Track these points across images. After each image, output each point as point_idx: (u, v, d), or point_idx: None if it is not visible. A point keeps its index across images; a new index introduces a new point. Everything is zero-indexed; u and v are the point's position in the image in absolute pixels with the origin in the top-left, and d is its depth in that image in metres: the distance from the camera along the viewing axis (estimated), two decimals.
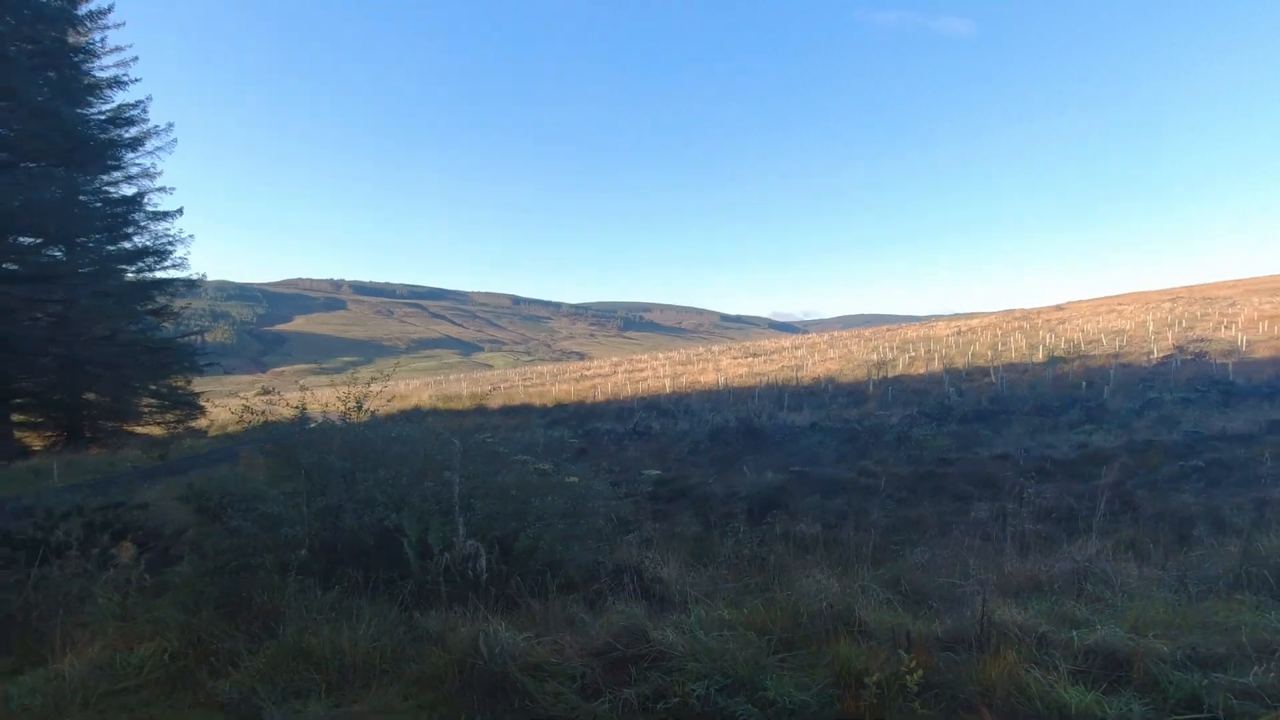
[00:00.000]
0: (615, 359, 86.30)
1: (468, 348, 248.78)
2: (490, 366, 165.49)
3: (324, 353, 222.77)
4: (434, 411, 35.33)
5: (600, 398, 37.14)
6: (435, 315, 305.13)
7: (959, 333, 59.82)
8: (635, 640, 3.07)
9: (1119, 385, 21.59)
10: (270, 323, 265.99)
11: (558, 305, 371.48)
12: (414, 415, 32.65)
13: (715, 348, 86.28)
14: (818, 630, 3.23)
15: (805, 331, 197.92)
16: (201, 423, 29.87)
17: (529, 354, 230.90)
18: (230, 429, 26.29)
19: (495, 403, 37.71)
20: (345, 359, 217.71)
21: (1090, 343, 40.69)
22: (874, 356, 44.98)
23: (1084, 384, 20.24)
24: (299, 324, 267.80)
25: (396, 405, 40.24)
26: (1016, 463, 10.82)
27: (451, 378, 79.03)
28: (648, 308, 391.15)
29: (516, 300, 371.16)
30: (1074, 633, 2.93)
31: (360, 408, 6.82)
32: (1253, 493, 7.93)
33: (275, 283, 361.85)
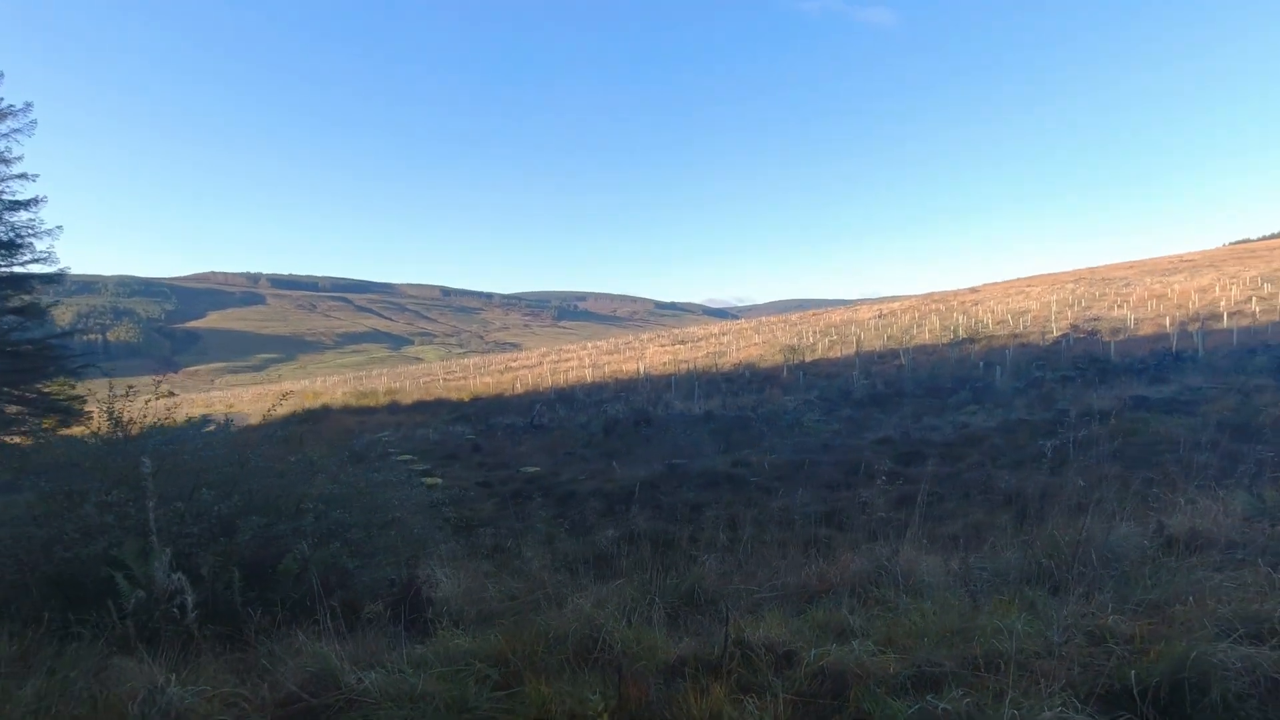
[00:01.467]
0: (544, 350, 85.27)
1: (397, 341, 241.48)
2: (421, 360, 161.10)
3: (242, 350, 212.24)
4: (345, 409, 33.88)
5: (519, 390, 36.41)
6: (362, 309, 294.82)
7: (880, 315, 61.52)
8: (326, 687, 2.64)
9: (1013, 365, 22.42)
10: (181, 319, 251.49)
11: (490, 296, 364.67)
12: (317, 415, 31.21)
13: (645, 336, 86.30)
14: (553, 661, 2.88)
15: (738, 317, 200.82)
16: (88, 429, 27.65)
17: (461, 346, 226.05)
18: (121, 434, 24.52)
19: (409, 399, 36.42)
20: (265, 356, 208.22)
21: (998, 323, 42.43)
22: (795, 341, 45.71)
23: (981, 364, 20.90)
24: (213, 320, 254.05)
25: (303, 404, 38.43)
26: (894, 447, 10.89)
27: (374, 373, 76.36)
28: (583, 296, 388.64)
29: (447, 292, 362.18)
30: (814, 651, 2.67)
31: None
32: (1095, 472, 8.09)
33: (185, 277, 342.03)
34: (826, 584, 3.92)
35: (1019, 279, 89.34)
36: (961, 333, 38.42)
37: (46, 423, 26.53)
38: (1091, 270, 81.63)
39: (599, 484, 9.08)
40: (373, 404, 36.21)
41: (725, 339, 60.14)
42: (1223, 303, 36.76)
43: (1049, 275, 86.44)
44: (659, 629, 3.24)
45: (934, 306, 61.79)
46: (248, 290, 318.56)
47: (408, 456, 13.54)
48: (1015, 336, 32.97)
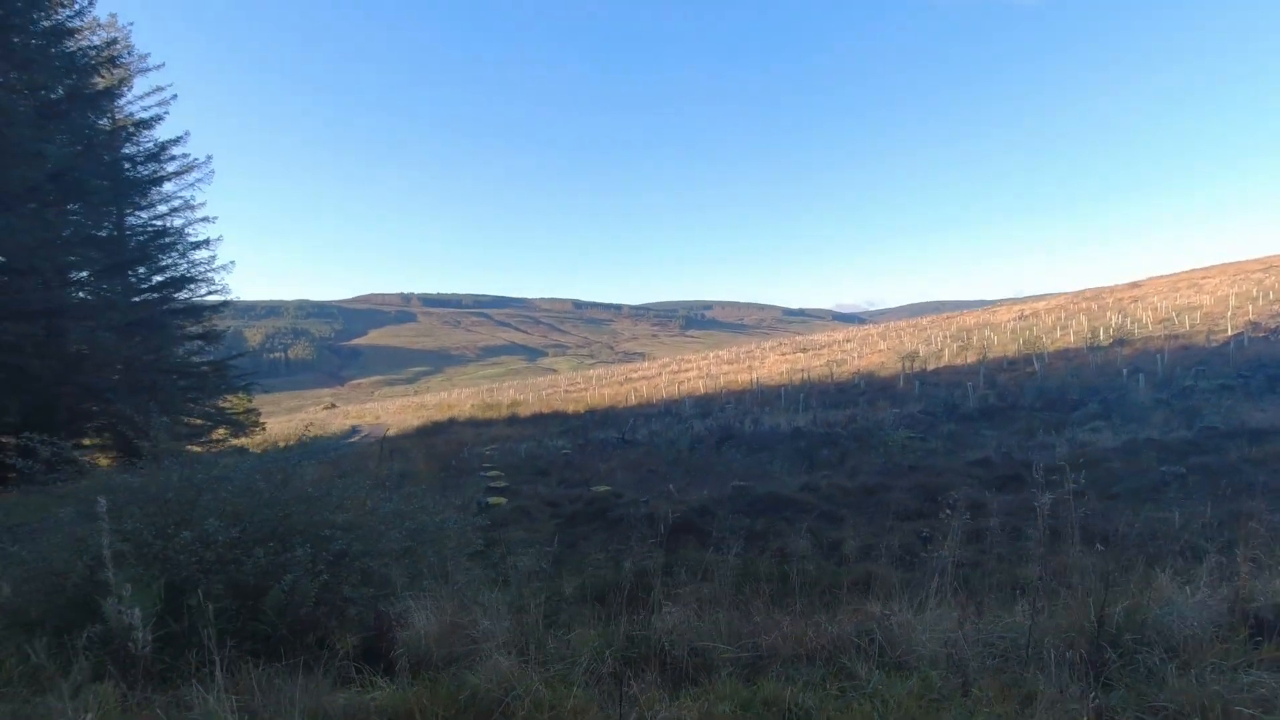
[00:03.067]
0: (665, 360, 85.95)
1: (533, 353, 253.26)
2: (554, 370, 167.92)
3: (396, 364, 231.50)
4: (469, 422, 35.91)
5: (632, 402, 36.86)
6: (500, 323, 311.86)
7: (1020, 317, 56.62)
8: None
9: (1166, 371, 19.72)
10: (346, 338, 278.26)
11: (619, 307, 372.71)
12: (441, 427, 33.25)
13: (767, 344, 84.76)
14: None
15: (868, 322, 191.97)
16: (258, 439, 31.33)
17: (591, 357, 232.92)
18: (281, 443, 27.42)
19: (529, 410, 37.98)
20: (416, 369, 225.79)
21: (1159, 322, 37.60)
22: (919, 348, 42.98)
23: (1125, 371, 18.54)
24: (373, 337, 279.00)
25: (432, 416, 41.16)
26: (993, 469, 9.90)
27: (506, 385, 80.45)
28: (709, 305, 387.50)
29: (578, 304, 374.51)
30: None
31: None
32: (1227, 505, 6.93)
33: (349, 299, 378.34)
34: (803, 646, 3.59)
35: (1191, 270, 78.47)
36: (1103, 336, 34.38)
37: (219, 433, 30.35)
38: None
39: (658, 507, 8.93)
40: (495, 416, 38.09)
41: (849, 346, 57.71)
42: None
43: (1230, 265, 75.09)
44: (591, 691, 3.10)
45: (1084, 305, 55.82)
46: (401, 309, 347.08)
47: (496, 472, 14.04)
48: (1173, 338, 29.02)
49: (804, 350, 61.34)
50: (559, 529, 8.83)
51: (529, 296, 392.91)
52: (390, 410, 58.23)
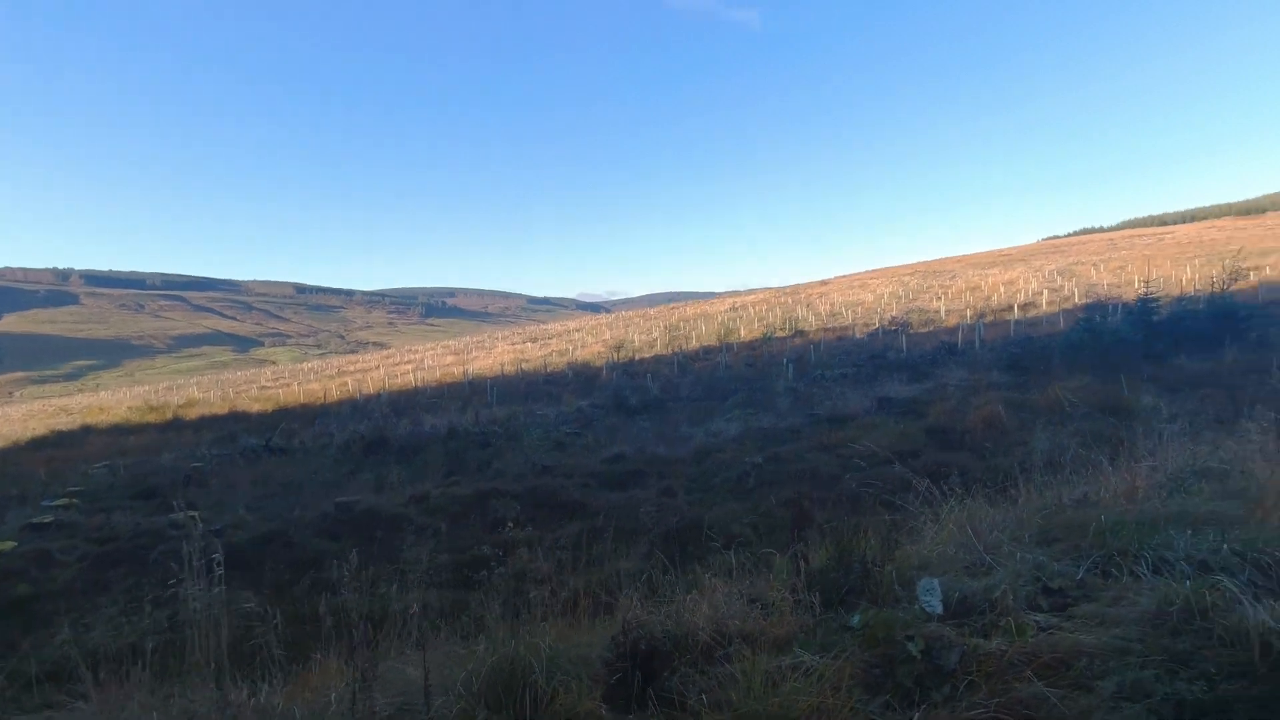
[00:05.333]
0: (389, 351, 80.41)
1: (244, 343, 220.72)
2: (272, 362, 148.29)
3: (50, 357, 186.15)
4: (114, 429, 29.34)
5: (335, 398, 33.20)
6: (201, 308, 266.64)
7: (733, 308, 62.54)
8: None
9: (821, 358, 22.58)
10: None
11: (350, 293, 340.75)
12: (70, 438, 26.83)
13: (502, 334, 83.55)
14: None
15: (610, 311, 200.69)
16: None
17: (319, 347, 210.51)
18: None
19: (201, 412, 32.23)
20: (81, 363, 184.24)
21: (832, 316, 43.75)
22: (640, 338, 45.15)
23: (786, 361, 20.74)
24: (10, 323, 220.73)
25: (67, 422, 33.16)
26: (623, 465, 9.82)
27: (195, 381, 68.66)
28: (452, 293, 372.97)
29: (301, 288, 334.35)
30: None
31: None
32: (788, 490, 7.28)
33: None
34: None
35: (866, 271, 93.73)
36: (788, 327, 39.10)
37: None
38: (928, 264, 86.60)
39: (234, 536, 7.31)
40: (156, 419, 31.74)
41: (577, 336, 58.90)
42: (1020, 295, 39.48)
43: (892, 268, 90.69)
44: None
45: (783, 299, 63.57)
46: (55, 289, 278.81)
47: (64, 501, 11.01)
48: (830, 331, 33.84)
49: (534, 340, 61.30)
50: (80, 576, 6.80)
51: (240, 278, 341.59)
52: (14, 417, 45.92)
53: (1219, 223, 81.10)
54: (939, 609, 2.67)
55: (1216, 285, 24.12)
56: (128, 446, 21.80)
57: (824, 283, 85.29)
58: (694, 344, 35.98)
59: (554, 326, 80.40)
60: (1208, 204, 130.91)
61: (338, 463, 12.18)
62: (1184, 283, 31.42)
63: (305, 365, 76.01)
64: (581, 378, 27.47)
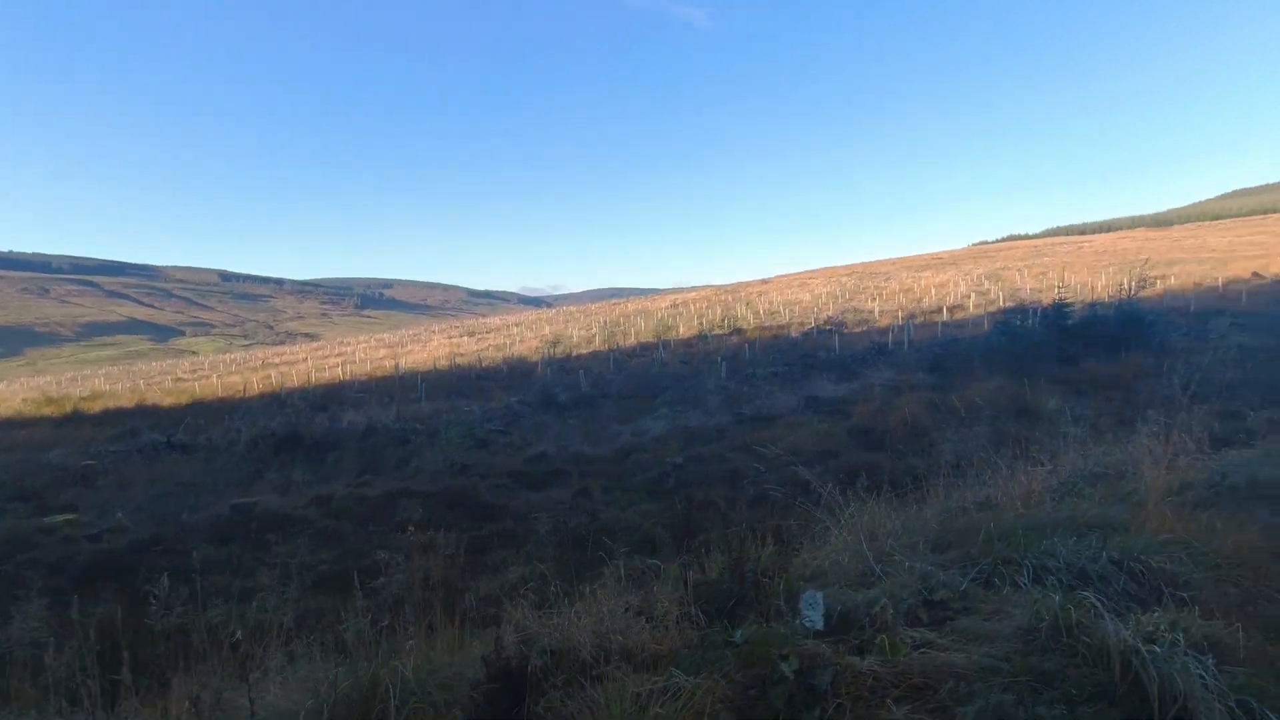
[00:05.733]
0: (320, 344, 77.63)
1: (164, 332, 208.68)
2: (194, 353, 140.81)
3: None
4: (4, 422, 27.17)
5: (254, 392, 31.67)
6: (115, 294, 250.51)
7: (674, 305, 62.68)
8: None
9: (756, 356, 22.77)
10: None
11: (280, 282, 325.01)
12: None
13: (438, 326, 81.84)
14: None
15: (553, 305, 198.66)
16: None
17: (246, 337, 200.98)
18: None
19: (106, 405, 30.20)
20: None
21: (770, 314, 44.27)
22: (579, 333, 44.75)
23: (719, 358, 20.81)
24: None
25: None
26: (546, 465, 9.56)
27: (104, 372, 64.59)
28: (389, 284, 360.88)
29: (227, 276, 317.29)
30: None
31: None
32: (713, 490, 7.19)
33: None
34: None
35: (806, 271, 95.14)
36: (726, 325, 39.40)
37: None
38: (865, 265, 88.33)
39: (116, 541, 6.73)
40: (54, 413, 29.55)
41: (517, 330, 58.04)
42: (950, 297, 40.77)
43: (831, 268, 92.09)
44: None
45: (724, 298, 64.04)
46: None
47: None
48: (767, 329, 34.25)
49: (472, 334, 60.15)
50: None
51: (159, 264, 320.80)
52: None
53: (1132, 233, 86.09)
54: (820, 624, 2.57)
55: (1125, 292, 25.45)
56: (15, 441, 20.22)
57: (765, 282, 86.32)
58: (632, 340, 35.89)
59: (494, 320, 79.02)
60: (1121, 215, 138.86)
61: (245, 461, 11.49)
62: (1098, 289, 33.05)
63: (228, 357, 72.60)
64: (516, 373, 26.99)
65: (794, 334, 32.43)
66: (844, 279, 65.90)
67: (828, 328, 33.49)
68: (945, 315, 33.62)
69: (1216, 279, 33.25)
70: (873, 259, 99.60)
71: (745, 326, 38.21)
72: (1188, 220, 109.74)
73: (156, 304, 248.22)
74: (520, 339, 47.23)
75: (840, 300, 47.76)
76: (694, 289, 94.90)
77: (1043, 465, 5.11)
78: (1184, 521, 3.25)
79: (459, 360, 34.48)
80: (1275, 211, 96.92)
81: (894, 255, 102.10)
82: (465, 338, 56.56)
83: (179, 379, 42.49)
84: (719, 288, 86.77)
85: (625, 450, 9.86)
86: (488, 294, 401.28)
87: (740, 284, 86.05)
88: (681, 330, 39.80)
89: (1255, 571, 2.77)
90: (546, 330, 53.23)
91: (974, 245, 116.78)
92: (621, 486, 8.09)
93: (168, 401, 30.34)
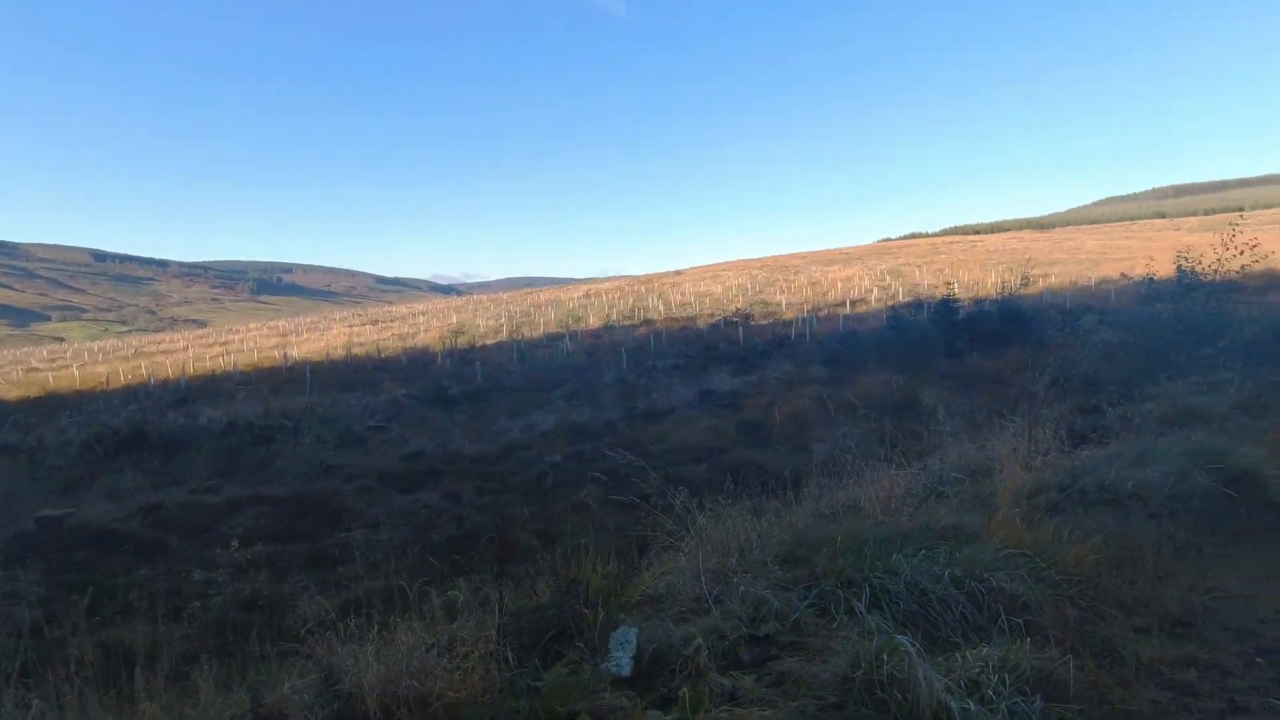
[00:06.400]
0: (203, 331, 72.44)
1: (24, 316, 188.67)
2: (58, 340, 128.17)
3: None
4: None
5: (122, 383, 28.89)
6: None
7: (587, 295, 61.97)
8: None
9: (662, 348, 22.57)
10: None
11: (165, 263, 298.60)
12: None
13: (340, 314, 78.04)
14: None
15: (465, 294, 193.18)
16: None
17: (125, 323, 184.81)
18: None
19: None
20: None
21: (681, 305, 44.38)
22: (485, 323, 43.48)
23: (624, 350, 20.50)
24: None
25: None
26: (424, 463, 8.91)
27: None
28: (289, 268, 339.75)
29: (101, 256, 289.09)
30: None
31: None
32: (577, 495, 6.81)
33: None
34: None
35: (719, 263, 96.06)
36: (637, 316, 39.23)
37: None
38: (777, 258, 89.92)
39: None
40: None
41: (424, 319, 55.91)
42: (854, 291, 41.96)
43: (744, 261, 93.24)
44: None
45: (637, 288, 63.88)
46: None
47: None
48: (675, 320, 34.32)
49: (375, 322, 57.52)
50: None
51: (17, 241, 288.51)
52: None
53: (1019, 235, 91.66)
54: (627, 668, 2.21)
55: (1008, 289, 26.91)
56: None
57: (679, 273, 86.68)
58: (539, 331, 35.09)
59: (400, 309, 75.97)
60: (1010, 218, 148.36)
61: (78, 464, 10.19)
62: (989, 286, 34.85)
63: (99, 344, 66.43)
64: (416, 364, 25.78)
65: (701, 326, 32.56)
66: (756, 272, 66.94)
67: (735, 320, 33.81)
68: (848, 309, 34.53)
69: (1090, 278, 35.69)
70: (785, 253, 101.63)
71: (655, 317, 38.15)
72: (1067, 224, 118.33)
73: (16, 285, 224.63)
74: (426, 328, 45.41)
75: (750, 293, 48.42)
76: (609, 279, 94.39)
77: (911, 466, 5.01)
78: (1033, 529, 3.11)
79: (357, 350, 32.69)
80: (1142, 218, 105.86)
81: (805, 249, 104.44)
82: (368, 326, 53.98)
83: (32, 369, 38.37)
84: (634, 278, 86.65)
85: (509, 447, 9.35)
86: (397, 281, 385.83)
87: (655, 275, 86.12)
88: (591, 321, 39.34)
89: (1095, 588, 2.64)
90: (454, 319, 51.52)
91: (879, 242, 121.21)
92: (497, 488, 7.58)
93: (15, 395, 27.21)
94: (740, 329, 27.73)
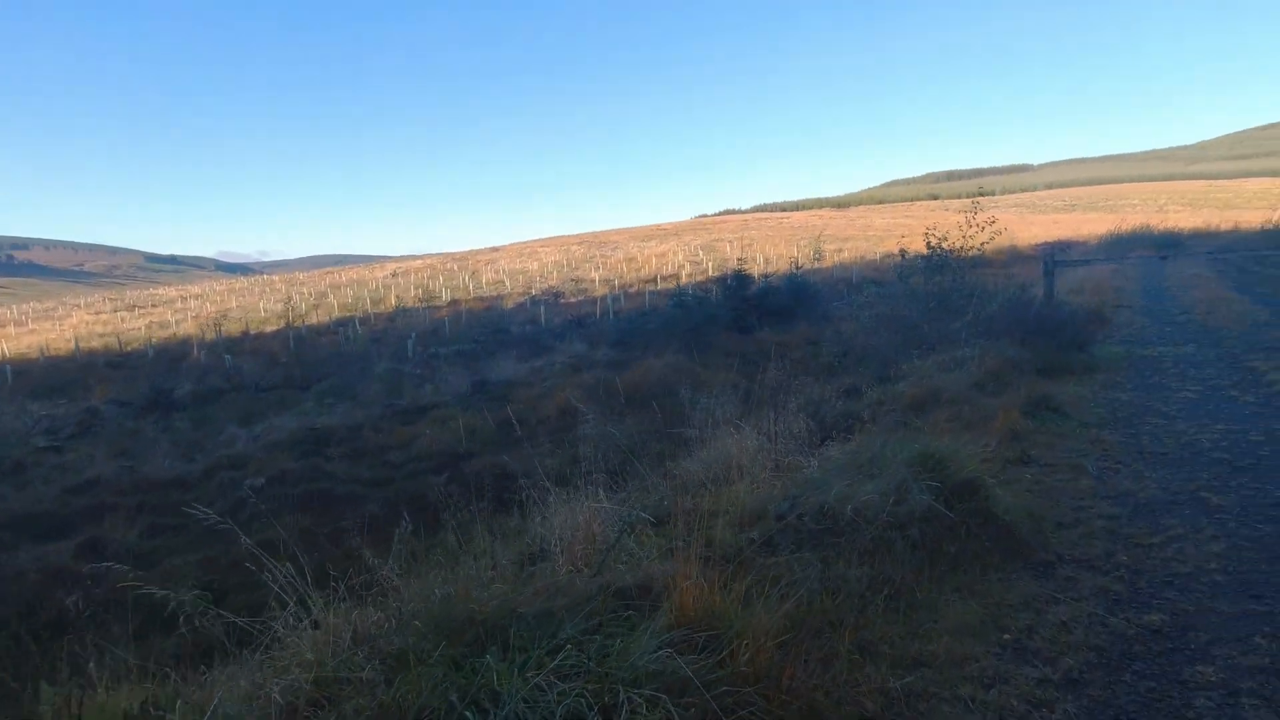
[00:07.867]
0: None
1: None
2: None
3: None
4: None
5: None
6: None
7: (394, 275, 57.75)
8: None
9: (451, 334, 20.95)
10: None
11: None
12: None
13: (86, 299, 66.46)
14: None
15: (258, 273, 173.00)
16: None
17: None
18: None
19: None
20: None
21: (493, 284, 42.39)
22: (268, 308, 38.63)
23: (411, 335, 18.64)
24: None
25: None
26: (95, 496, 6.93)
27: None
28: (25, 244, 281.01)
29: None
30: None
31: None
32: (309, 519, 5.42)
33: None
34: None
35: (538, 240, 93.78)
36: (446, 296, 36.95)
37: None
38: (596, 234, 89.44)
39: None
40: None
41: (196, 303, 48.80)
42: (668, 267, 42.30)
43: (563, 237, 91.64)
44: None
45: (451, 266, 60.52)
46: None
47: None
48: (482, 300, 32.63)
49: (135, 308, 49.29)
50: None
51: None
52: None
53: (821, 213, 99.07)
54: None
55: (798, 264, 28.28)
56: None
57: (496, 250, 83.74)
58: (327, 316, 31.72)
59: (169, 291, 65.88)
60: (813, 196, 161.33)
61: None
62: (791, 260, 36.67)
63: None
64: (163, 359, 21.88)
65: (508, 306, 31.14)
66: (574, 248, 66.01)
67: (544, 298, 32.73)
68: (659, 285, 34.65)
69: (875, 254, 38.81)
70: (604, 228, 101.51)
71: (462, 297, 36.06)
72: (860, 203, 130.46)
73: None
74: (195, 314, 39.43)
75: (566, 269, 47.54)
76: (422, 257, 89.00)
77: (630, 486, 4.32)
78: (727, 587, 2.40)
79: (92, 344, 27.31)
80: (919, 200, 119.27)
81: (624, 225, 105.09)
82: (124, 313, 46.04)
83: None
84: (448, 255, 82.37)
85: (217, 466, 7.59)
86: (174, 259, 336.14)
87: (471, 252, 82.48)
88: (392, 302, 36.38)
89: (776, 688, 1.93)
90: (233, 303, 45.46)
91: (696, 218, 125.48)
92: (171, 526, 5.94)
93: None
94: (543, 308, 26.73)
